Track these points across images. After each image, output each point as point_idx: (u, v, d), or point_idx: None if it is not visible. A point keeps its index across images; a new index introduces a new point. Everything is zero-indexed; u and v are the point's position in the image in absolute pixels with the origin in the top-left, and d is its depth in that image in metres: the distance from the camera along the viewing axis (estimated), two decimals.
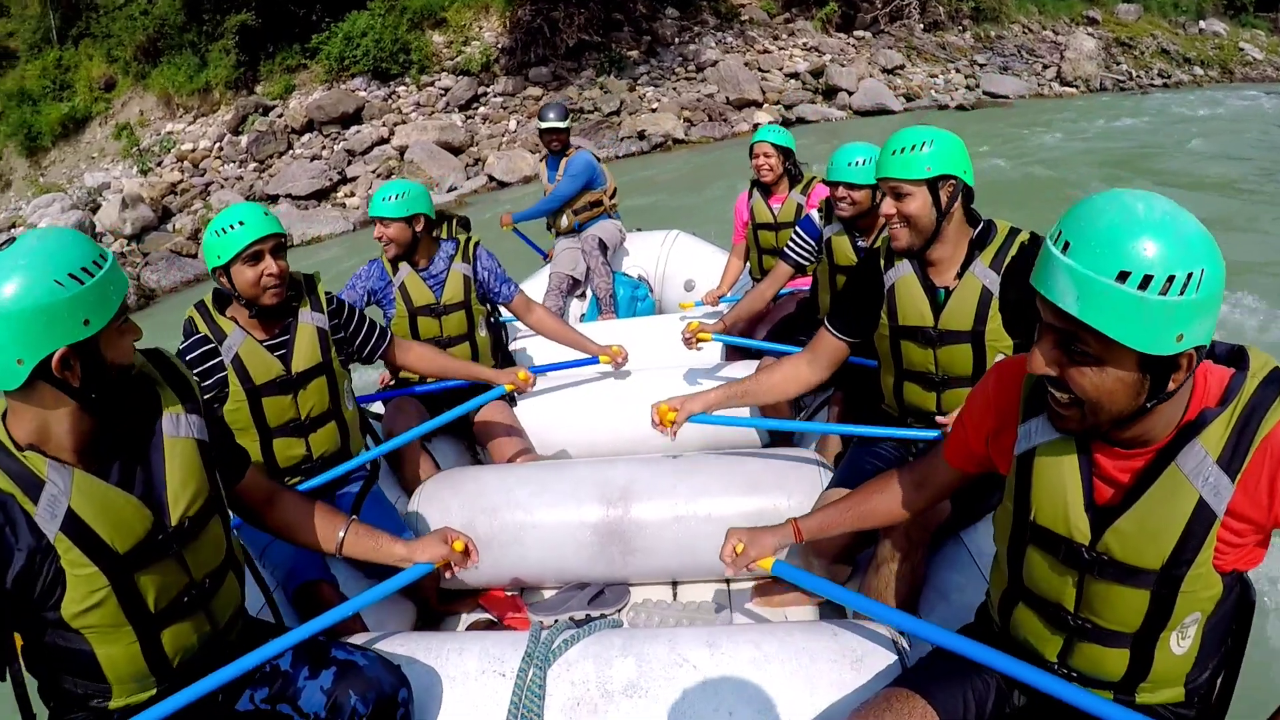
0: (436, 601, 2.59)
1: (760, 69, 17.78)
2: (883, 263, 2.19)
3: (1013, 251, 2.02)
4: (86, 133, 19.90)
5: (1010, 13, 22.99)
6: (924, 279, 2.11)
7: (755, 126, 16.14)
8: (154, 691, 1.46)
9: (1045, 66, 21.16)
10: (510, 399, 3.28)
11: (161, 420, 1.45)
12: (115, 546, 1.34)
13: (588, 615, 2.46)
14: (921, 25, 20.94)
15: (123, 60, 19.82)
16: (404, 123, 15.48)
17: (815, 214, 3.35)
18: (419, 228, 3.02)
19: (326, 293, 2.46)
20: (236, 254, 2.11)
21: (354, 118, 15.71)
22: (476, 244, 3.20)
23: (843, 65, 18.08)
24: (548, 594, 2.63)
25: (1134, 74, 22.20)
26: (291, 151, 15.44)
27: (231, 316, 2.28)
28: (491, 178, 14.00)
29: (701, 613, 2.44)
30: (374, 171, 14.40)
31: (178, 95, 18.55)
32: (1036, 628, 1.37)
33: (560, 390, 3.35)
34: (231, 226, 2.13)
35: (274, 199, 14.11)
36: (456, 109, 16.03)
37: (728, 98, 16.65)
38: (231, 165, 15.58)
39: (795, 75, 17.86)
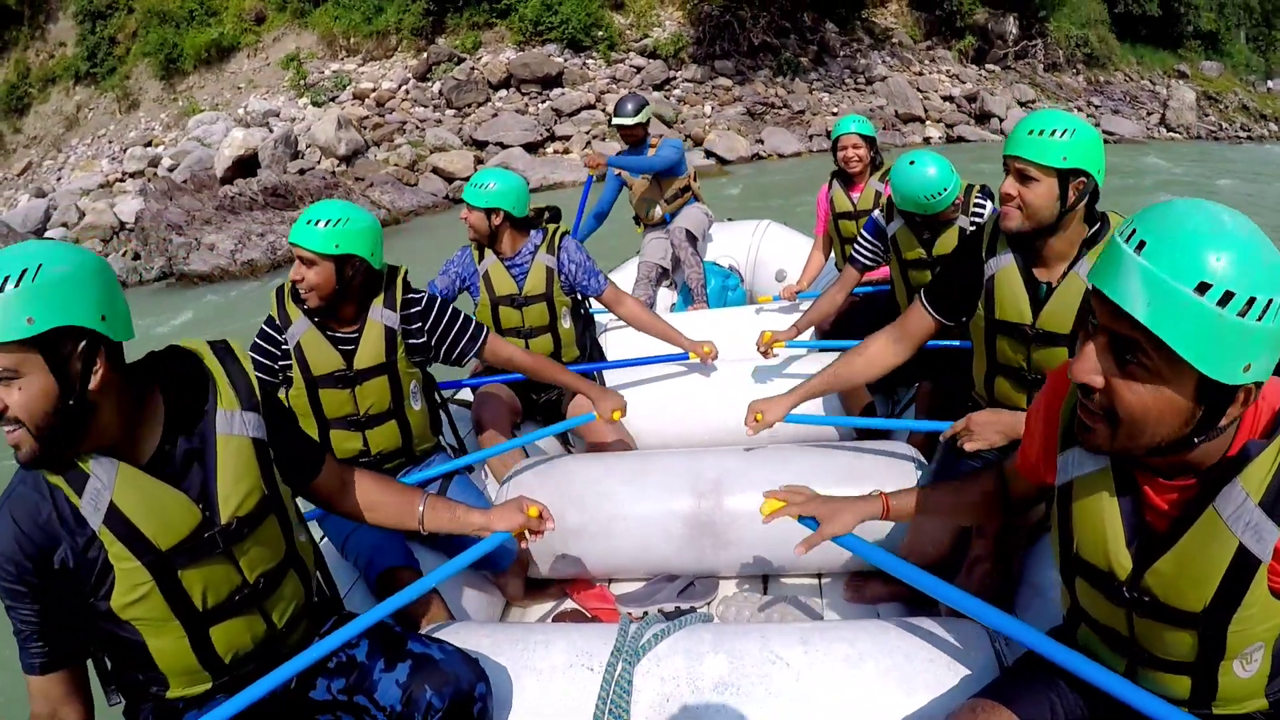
0: (524, 591, 2.52)
1: (919, 89, 18.85)
2: (984, 250, 2.03)
3: None
4: (232, 62, 20.07)
5: (1117, 60, 24.66)
6: (1026, 273, 1.95)
7: (926, 140, 17.18)
8: (210, 685, 1.42)
9: (1149, 113, 22.53)
10: (602, 385, 3.21)
11: (217, 416, 1.39)
12: (157, 542, 1.30)
13: (677, 608, 2.39)
14: (1042, 65, 22.44)
15: None
16: (609, 92, 16.12)
17: (878, 214, 3.27)
18: (497, 221, 2.93)
19: (413, 291, 2.32)
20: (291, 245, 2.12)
21: (555, 81, 16.32)
22: (564, 235, 3.06)
23: (992, 94, 19.06)
24: (636, 585, 2.54)
25: (1222, 125, 23.94)
26: (490, 103, 15.99)
27: (301, 304, 2.20)
28: (711, 154, 14.76)
29: (792, 607, 2.34)
30: (587, 133, 15.03)
31: (345, 36, 18.89)
32: (1100, 649, 1.30)
33: (652, 380, 3.24)
34: (308, 221, 2.09)
35: (482, 145, 14.74)
36: (650, 88, 16.72)
37: (896, 111, 17.42)
38: (422, 109, 16.07)
39: (950, 99, 18.87)
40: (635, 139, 4.61)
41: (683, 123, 15.79)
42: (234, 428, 1.40)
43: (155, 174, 14.51)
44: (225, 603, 1.40)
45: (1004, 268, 1.97)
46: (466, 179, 12.87)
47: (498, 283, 3.01)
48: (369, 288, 2.24)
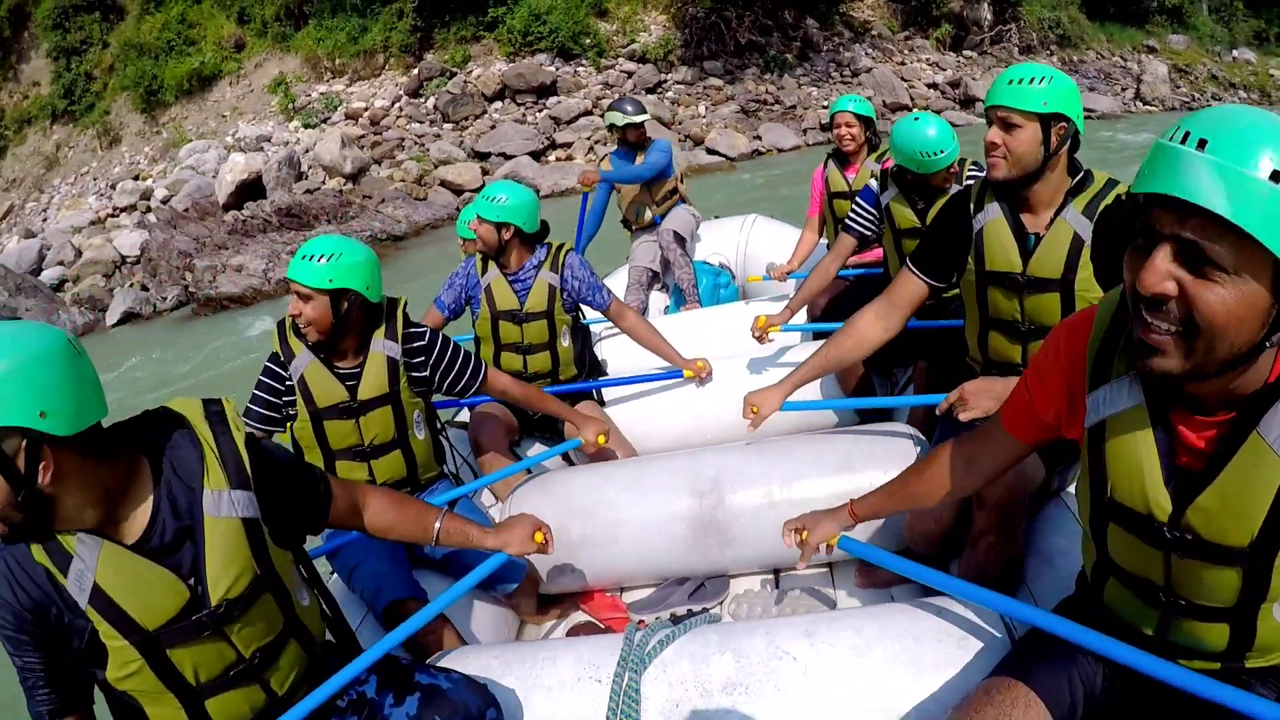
0: (536, 608, 2.51)
1: (903, 78, 19.20)
2: (973, 205, 2.06)
3: (1108, 200, 1.88)
4: (214, 90, 19.56)
5: (1089, 39, 25.21)
6: (1014, 223, 1.98)
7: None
8: None
9: (1124, 88, 23.06)
10: (600, 400, 3.20)
11: (204, 497, 1.33)
12: (143, 623, 1.27)
13: (689, 610, 2.36)
14: (1017, 48, 22.91)
15: (258, 22, 19.54)
16: (604, 97, 16.21)
17: (874, 183, 3.24)
18: (507, 236, 2.93)
19: (414, 325, 2.32)
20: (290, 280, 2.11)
21: (550, 90, 16.42)
22: (568, 252, 3.05)
23: (974, 79, 19.30)
24: (647, 591, 2.53)
25: (1194, 95, 24.67)
26: (487, 115, 16.05)
27: (303, 338, 2.20)
28: (714, 151, 14.88)
29: (804, 599, 2.32)
30: (588, 138, 15.07)
31: (330, 58, 18.73)
32: (1130, 603, 1.26)
33: (646, 388, 3.23)
34: (304, 257, 2.09)
35: (484, 156, 14.77)
36: (644, 91, 16.80)
37: (884, 101, 17.61)
38: (418, 125, 16.07)
39: (934, 85, 19.19)
40: (635, 139, 4.64)
41: (680, 124, 15.92)
42: (222, 509, 1.35)
43: (150, 206, 14.41)
44: (219, 678, 1.37)
45: (992, 219, 2.00)
46: (476, 190, 13.11)
47: (500, 297, 3.00)
48: (369, 321, 2.24)
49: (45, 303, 10.52)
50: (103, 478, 1.24)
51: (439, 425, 2.54)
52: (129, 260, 11.98)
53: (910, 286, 2.15)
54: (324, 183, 13.89)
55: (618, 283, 4.80)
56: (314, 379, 2.18)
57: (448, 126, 15.74)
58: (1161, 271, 0.93)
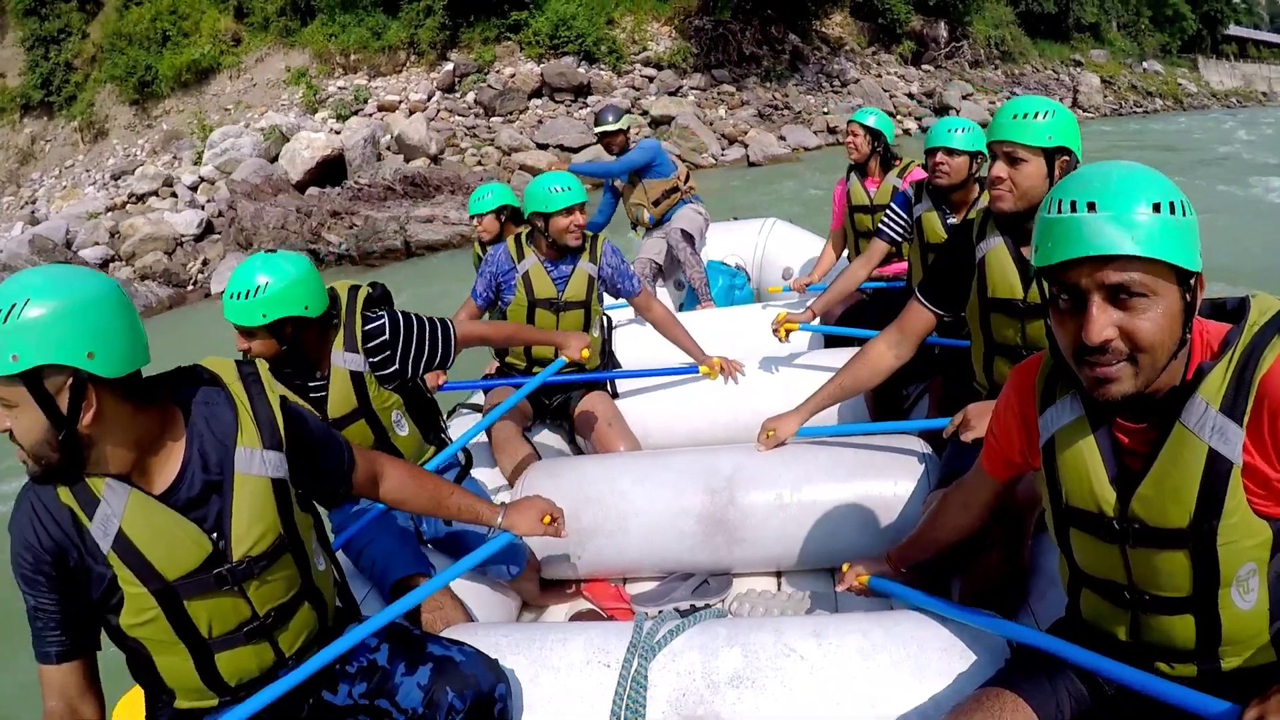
0: (539, 592, 2.48)
1: (884, 89, 21.10)
2: (975, 235, 2.11)
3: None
4: (212, 84, 19.26)
5: (1027, 54, 28.38)
6: (1015, 253, 2.03)
7: (905, 133, 18.81)
8: (216, 702, 1.41)
9: (1061, 98, 24.87)
10: (613, 392, 3.18)
11: (236, 454, 1.35)
12: (164, 573, 1.28)
13: (692, 605, 2.37)
14: (968, 63, 25.82)
15: (258, 15, 19.36)
16: (638, 98, 17.30)
17: (910, 190, 3.26)
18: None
19: (372, 319, 2.15)
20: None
21: (586, 90, 17.33)
22: (604, 240, 3.07)
23: (944, 90, 21.76)
24: (651, 584, 2.52)
25: (1120, 103, 28.38)
26: (529, 111, 16.72)
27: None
28: (746, 149, 16.26)
29: (806, 602, 2.33)
30: (638, 133, 15.72)
31: (342, 54, 18.80)
32: (1102, 609, 1.34)
33: (660, 383, 3.22)
34: (232, 295, 1.94)
35: (544, 147, 15.46)
36: (666, 94, 17.93)
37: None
38: (459, 117, 16.61)
39: (911, 95, 21.44)
40: (618, 146, 4.73)
41: (711, 124, 16.98)
42: (253, 467, 1.37)
43: (214, 183, 14.27)
44: (232, 633, 1.38)
45: (993, 248, 2.06)
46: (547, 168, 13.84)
47: (538, 285, 2.97)
48: (322, 332, 2.09)
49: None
50: (138, 425, 1.26)
51: (429, 396, 2.42)
52: (185, 238, 12.01)
53: (919, 316, 2.21)
54: (406, 163, 14.18)
55: None
56: None
57: (497, 119, 16.38)
58: (1101, 322, 1.07)
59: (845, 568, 1.88)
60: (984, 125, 2.49)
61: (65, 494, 1.26)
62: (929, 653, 1.62)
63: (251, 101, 19.12)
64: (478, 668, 1.55)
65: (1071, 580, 1.40)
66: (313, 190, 12.90)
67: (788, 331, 3.11)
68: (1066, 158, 1.91)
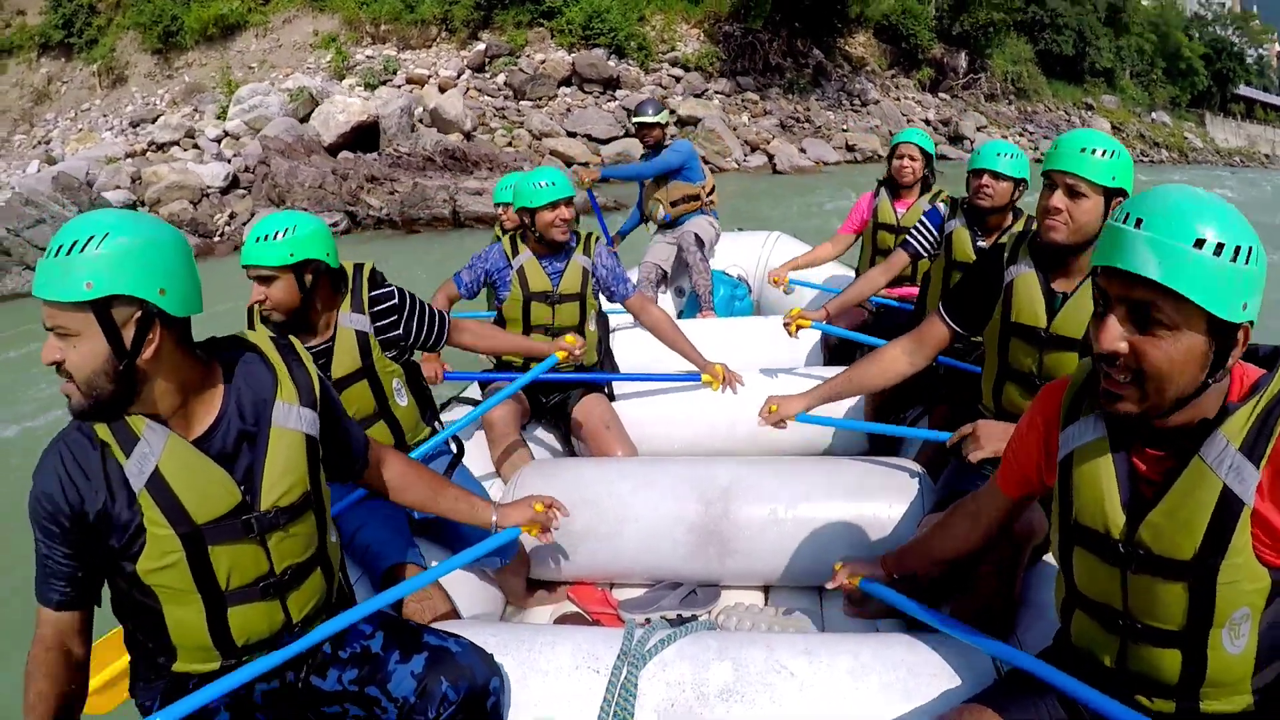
0: (525, 591, 2.46)
1: (902, 113, 21.39)
2: (1006, 259, 2.10)
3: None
4: (238, 40, 19.54)
5: (1041, 93, 28.79)
6: (1045, 283, 2.02)
7: None
8: (218, 665, 1.42)
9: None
10: (610, 395, 3.16)
11: (274, 407, 1.40)
12: (194, 515, 1.31)
13: (679, 615, 2.36)
14: (984, 96, 26.38)
15: None
16: (665, 96, 17.48)
17: (942, 205, 3.23)
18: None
19: (380, 286, 2.24)
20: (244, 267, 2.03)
21: (614, 83, 17.53)
22: (597, 240, 3.09)
23: (960, 120, 22.14)
24: (638, 590, 2.50)
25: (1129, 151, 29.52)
26: (558, 99, 16.94)
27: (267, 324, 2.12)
28: (771, 157, 16.45)
29: (793, 619, 2.31)
30: (674, 134, 16.58)
31: (374, 23, 18.91)
32: (1093, 633, 1.35)
33: (659, 389, 3.21)
34: (257, 239, 2.02)
35: (572, 135, 15.62)
36: (692, 96, 18.18)
37: (890, 130, 19.23)
38: (488, 98, 16.74)
39: (928, 121, 21.66)
40: (654, 139, 4.76)
41: (735, 130, 17.23)
42: (290, 421, 1.42)
43: (239, 138, 14.37)
44: (248, 587, 1.40)
45: (1023, 274, 2.04)
46: (584, 164, 13.69)
47: (533, 279, 2.99)
48: (334, 290, 2.16)
49: None
50: (186, 369, 1.31)
51: (423, 384, 2.46)
52: (210, 190, 12.13)
53: (938, 329, 2.20)
54: (441, 136, 14.31)
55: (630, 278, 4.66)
56: None
57: (526, 104, 16.59)
58: (1114, 333, 1.10)
59: (838, 566, 1.87)
60: None
61: (104, 430, 1.29)
62: (920, 677, 1.63)
63: (277, 62, 19.17)
64: (473, 659, 1.55)
65: (1066, 601, 1.41)
66: (345, 154, 13.04)
67: (799, 327, 3.11)
68: (1121, 199, 1.90)
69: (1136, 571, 1.24)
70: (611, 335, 3.58)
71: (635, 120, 4.80)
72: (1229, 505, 1.14)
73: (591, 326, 3.13)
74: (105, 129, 18.27)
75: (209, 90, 18.01)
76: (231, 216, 11.54)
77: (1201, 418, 1.17)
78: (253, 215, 11.28)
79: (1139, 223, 1.08)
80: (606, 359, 3.32)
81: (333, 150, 13.38)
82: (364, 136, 13.97)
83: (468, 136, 14.80)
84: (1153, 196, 1.11)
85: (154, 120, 16.96)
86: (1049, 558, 1.99)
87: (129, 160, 14.00)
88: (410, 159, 12.74)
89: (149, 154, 14.68)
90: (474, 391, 3.24)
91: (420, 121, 14.77)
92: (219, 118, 16.03)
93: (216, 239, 11.20)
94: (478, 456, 2.77)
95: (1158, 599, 1.24)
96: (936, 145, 19.33)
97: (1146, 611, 1.26)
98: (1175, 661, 1.26)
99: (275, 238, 1.99)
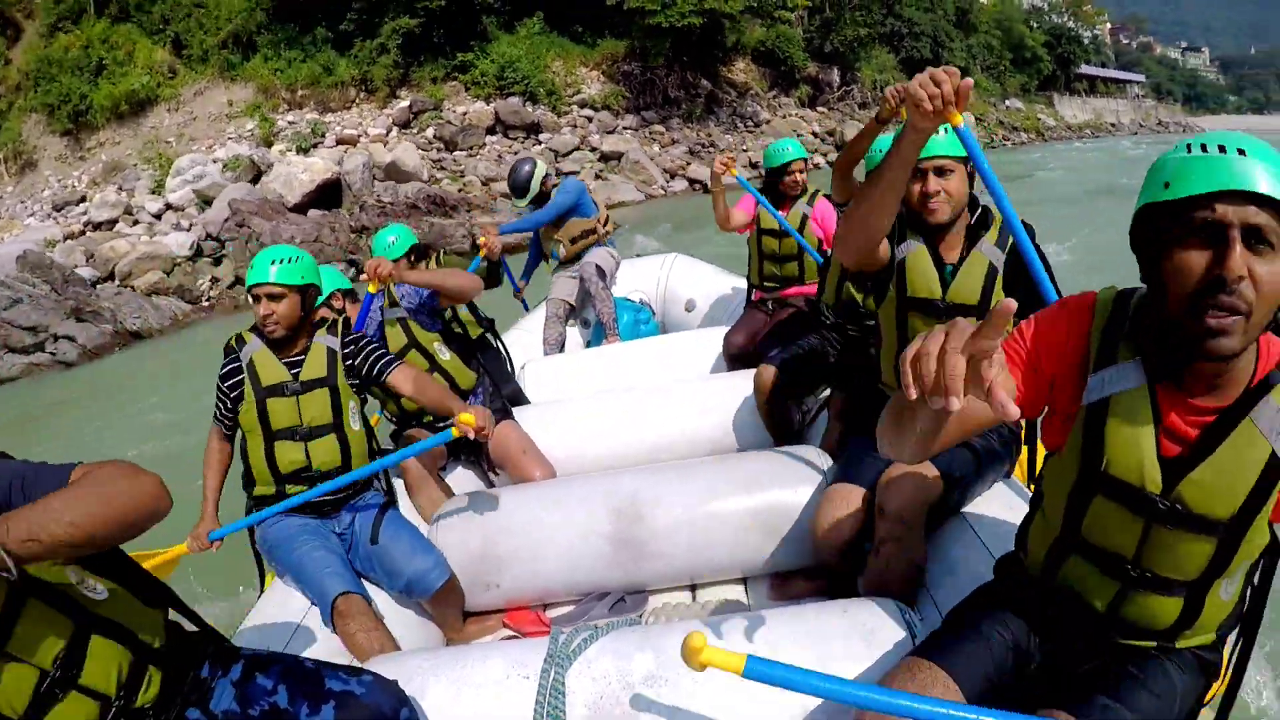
0: (462, 623, 2.51)
1: (792, 130, 22.78)
2: (895, 240, 2.16)
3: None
4: (150, 116, 18.89)
5: None
6: (934, 255, 2.11)
7: (815, 167, 19.36)
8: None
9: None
10: (512, 418, 3.15)
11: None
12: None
13: (609, 623, 2.30)
14: (858, 105, 28.28)
15: (197, 48, 19.20)
16: (586, 136, 18.38)
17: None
18: (413, 257, 3.51)
19: (352, 332, 2.58)
20: (251, 287, 2.39)
21: (536, 128, 18.20)
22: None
23: (843, 129, 23.58)
24: (569, 607, 2.56)
25: (991, 137, 31.24)
26: (487, 147, 17.50)
27: (254, 329, 2.47)
28: (694, 182, 17.80)
29: (720, 611, 2.37)
30: (588, 168, 17.51)
31: (288, 89, 19.03)
32: (1090, 578, 1.34)
33: (571, 409, 3.29)
34: (273, 262, 2.42)
35: None
36: (605, 133, 19.04)
37: None
38: (422, 151, 17.11)
39: (815, 134, 23.53)
40: (545, 190, 4.75)
41: (653, 159, 18.21)
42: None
43: (183, 209, 14.36)
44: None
45: (913, 251, 2.12)
46: (487, 218, 14.39)
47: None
48: (315, 314, 2.59)
49: (109, 297, 10.48)
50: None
51: (370, 426, 2.58)
52: (179, 259, 12.13)
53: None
54: (399, 187, 14.76)
55: (537, 316, 4.81)
56: (261, 362, 2.44)
57: (459, 153, 17.21)
58: (1243, 259, 1.05)
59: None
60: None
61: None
62: (833, 642, 1.72)
63: (195, 134, 18.66)
64: (379, 696, 1.58)
65: (1059, 543, 1.38)
66: (314, 212, 13.32)
67: (725, 167, 3.72)
68: (971, 165, 2.03)
69: (1169, 526, 1.23)
70: (524, 365, 3.86)
71: (519, 203, 4.81)
72: (1273, 469, 1.16)
73: (446, 355, 3.12)
74: (26, 215, 17.56)
75: (131, 167, 17.50)
76: (214, 281, 11.68)
77: (1241, 380, 1.18)
78: (236, 279, 11.36)
79: (1241, 151, 1.07)
80: (518, 395, 3.48)
81: (299, 209, 13.57)
82: (328, 194, 14.31)
83: (425, 184, 15.33)
84: (1231, 136, 1.11)
85: (77, 203, 16.57)
86: (958, 519, 2.07)
87: (68, 242, 13.79)
88: (393, 206, 13.31)
89: (89, 233, 14.40)
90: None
91: (374, 177, 15.18)
92: (154, 192, 15.76)
93: (205, 303, 11.31)
94: (403, 501, 2.78)
95: (1180, 552, 1.24)
96: (826, 154, 20.52)
97: (1161, 562, 1.26)
98: (1175, 608, 1.28)
99: (290, 262, 2.37)
